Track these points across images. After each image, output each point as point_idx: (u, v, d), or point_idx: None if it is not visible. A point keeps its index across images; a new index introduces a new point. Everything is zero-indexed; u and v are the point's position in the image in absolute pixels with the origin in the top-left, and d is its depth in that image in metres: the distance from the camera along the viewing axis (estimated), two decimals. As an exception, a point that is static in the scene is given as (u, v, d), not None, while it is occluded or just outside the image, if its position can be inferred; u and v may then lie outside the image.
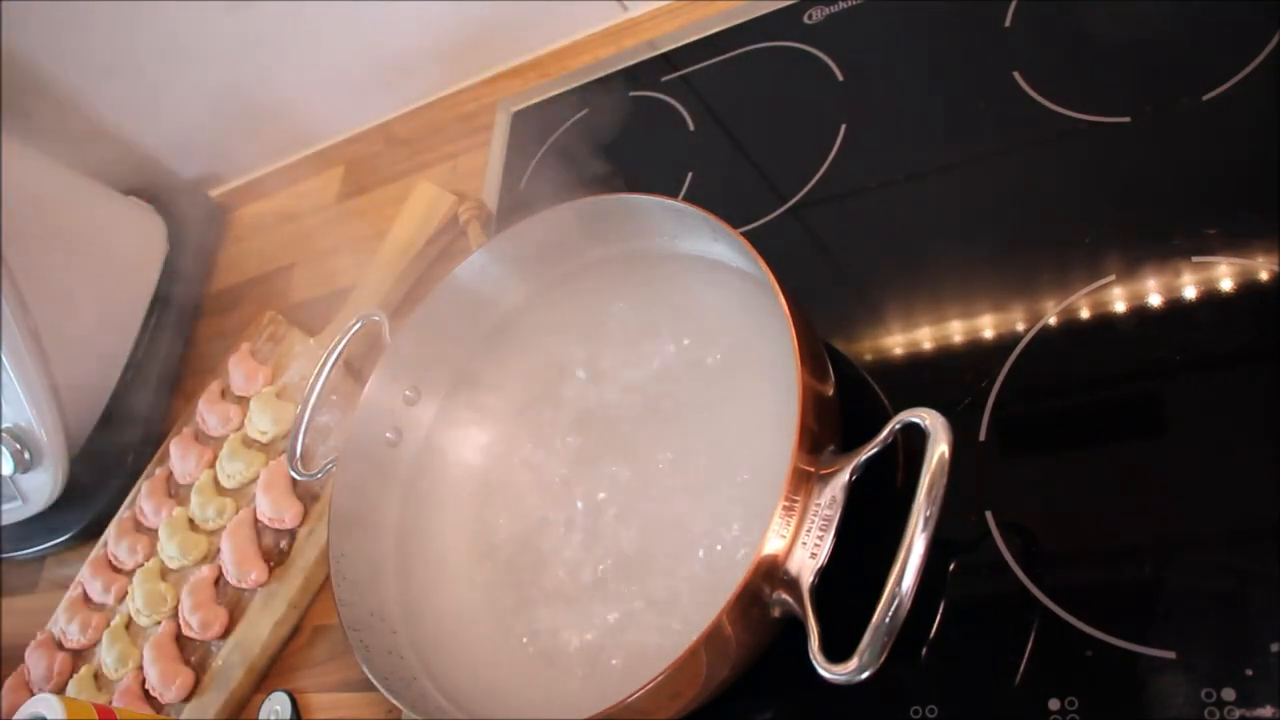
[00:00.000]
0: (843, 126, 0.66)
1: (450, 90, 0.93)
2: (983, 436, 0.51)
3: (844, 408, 0.51)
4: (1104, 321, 0.51)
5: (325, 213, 0.95)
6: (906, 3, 0.68)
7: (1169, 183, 0.53)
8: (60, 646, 0.78)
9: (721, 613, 0.42)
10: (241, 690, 0.69)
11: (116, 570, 0.79)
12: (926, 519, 0.40)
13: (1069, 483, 0.48)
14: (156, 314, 0.93)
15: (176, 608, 0.73)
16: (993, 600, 0.47)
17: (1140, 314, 0.50)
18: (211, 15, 0.86)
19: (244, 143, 1.02)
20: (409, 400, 0.65)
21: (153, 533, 0.79)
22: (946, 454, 0.41)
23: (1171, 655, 0.42)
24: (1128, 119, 0.56)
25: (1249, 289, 0.48)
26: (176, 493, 0.81)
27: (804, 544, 0.44)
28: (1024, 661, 0.44)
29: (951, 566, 0.48)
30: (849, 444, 0.47)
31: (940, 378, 0.54)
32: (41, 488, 0.84)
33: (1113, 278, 0.51)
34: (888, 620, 0.39)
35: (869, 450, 0.45)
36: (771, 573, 0.44)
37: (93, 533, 0.84)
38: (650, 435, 0.59)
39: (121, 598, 0.77)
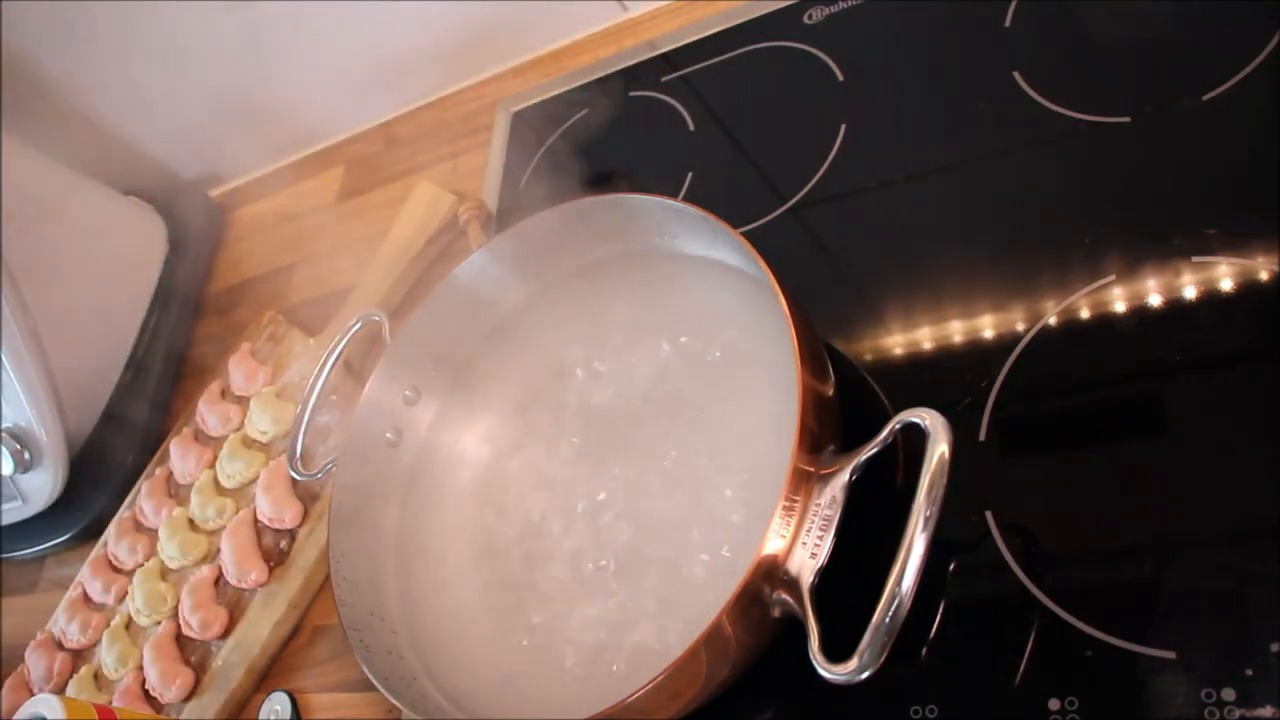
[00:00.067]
0: (843, 126, 0.66)
1: (450, 90, 0.93)
2: (983, 436, 0.51)
3: (844, 408, 0.51)
4: (1104, 321, 0.51)
5: (325, 213, 0.95)
6: (906, 3, 0.68)
7: (1169, 183, 0.53)
8: (60, 646, 0.78)
9: (721, 613, 0.42)
10: (241, 690, 0.69)
11: (116, 570, 0.79)
12: (926, 519, 0.40)
13: (1069, 483, 0.48)
14: (156, 314, 0.93)
15: (176, 608, 0.73)
16: (993, 600, 0.47)
17: (1140, 314, 0.50)
18: (211, 15, 0.86)
19: (244, 143, 1.02)
20: (409, 400, 0.65)
21: (153, 533, 0.79)
22: (946, 454, 0.41)
23: (1171, 655, 0.42)
24: (1128, 119, 0.56)
25: (1249, 289, 0.48)
26: (176, 493, 0.81)
27: (804, 544, 0.44)
28: (1024, 661, 0.44)
29: (951, 566, 0.48)
30: (849, 444, 0.47)
31: (940, 378, 0.54)
32: (41, 488, 0.84)
33: (1113, 278, 0.51)
34: (888, 620, 0.39)
35: (869, 450, 0.45)
36: (771, 573, 0.44)
37: (93, 533, 0.84)
38: (650, 435, 0.59)
39: (121, 598, 0.77)
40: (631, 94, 0.79)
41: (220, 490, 0.77)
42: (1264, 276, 0.48)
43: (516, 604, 0.59)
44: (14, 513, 0.85)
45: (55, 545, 0.86)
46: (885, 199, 0.62)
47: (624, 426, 0.60)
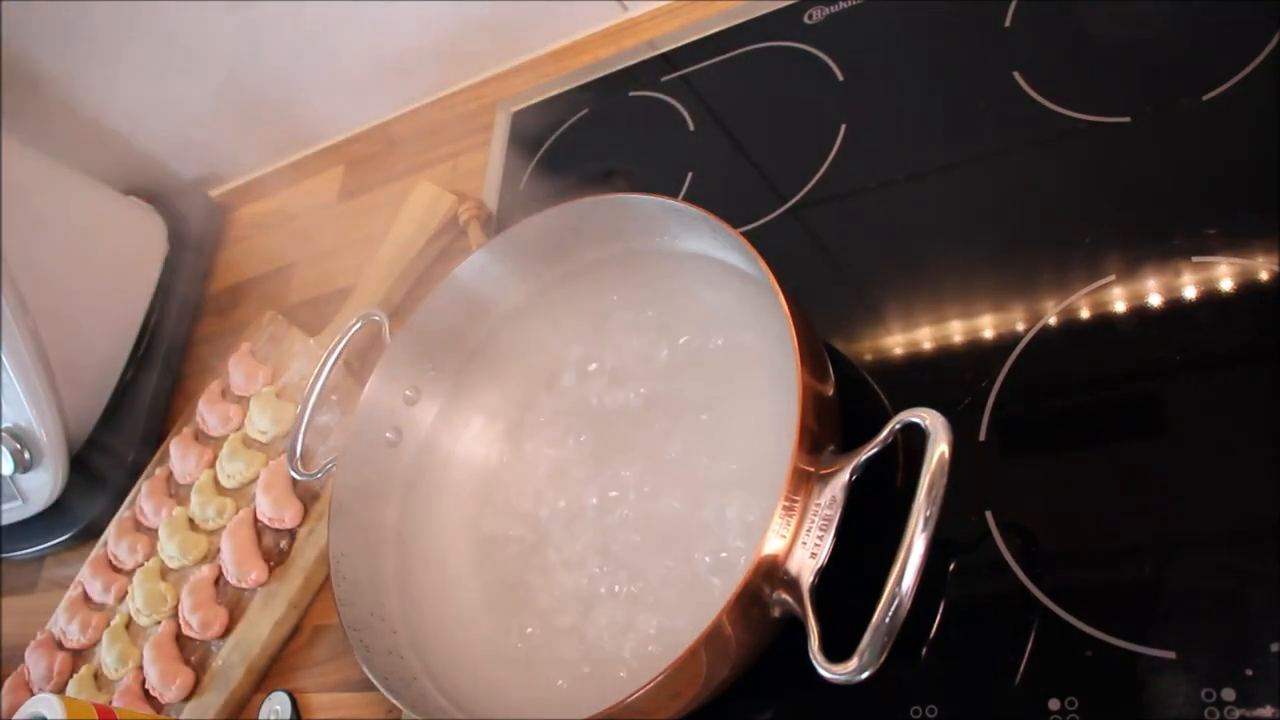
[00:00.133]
0: (843, 126, 0.66)
1: (450, 90, 0.93)
2: (983, 436, 0.51)
3: (844, 408, 0.51)
4: (1104, 321, 0.51)
5: (325, 212, 0.95)
6: (906, 3, 0.68)
7: (1169, 183, 0.53)
8: (60, 646, 0.78)
9: (721, 613, 0.42)
10: (241, 690, 0.69)
11: (116, 570, 0.79)
12: (926, 519, 0.40)
13: (1069, 483, 0.48)
14: (156, 314, 0.93)
15: (176, 607, 0.73)
16: (993, 600, 0.47)
17: (1140, 314, 0.50)
18: (211, 15, 0.86)
19: (244, 143, 1.02)
20: (409, 400, 0.65)
21: (153, 532, 0.79)
22: (946, 454, 0.41)
23: (1171, 655, 0.42)
24: (1128, 119, 0.56)
25: (1249, 289, 0.48)
26: (176, 492, 0.81)
27: (804, 544, 0.44)
28: (1024, 661, 0.44)
29: (951, 566, 0.48)
30: (849, 444, 0.47)
31: (940, 378, 0.54)
32: (41, 488, 0.84)
33: (1113, 278, 0.51)
34: (888, 620, 0.39)
35: (869, 450, 0.45)
36: (771, 573, 0.44)
37: (93, 533, 0.84)
38: (650, 435, 0.59)
39: (121, 597, 0.77)
40: (631, 94, 0.79)
41: (220, 490, 0.77)
42: (1264, 276, 0.48)
43: (516, 604, 0.59)
44: (14, 513, 0.85)
45: (55, 545, 0.86)
46: (885, 199, 0.62)
47: (624, 426, 0.60)
